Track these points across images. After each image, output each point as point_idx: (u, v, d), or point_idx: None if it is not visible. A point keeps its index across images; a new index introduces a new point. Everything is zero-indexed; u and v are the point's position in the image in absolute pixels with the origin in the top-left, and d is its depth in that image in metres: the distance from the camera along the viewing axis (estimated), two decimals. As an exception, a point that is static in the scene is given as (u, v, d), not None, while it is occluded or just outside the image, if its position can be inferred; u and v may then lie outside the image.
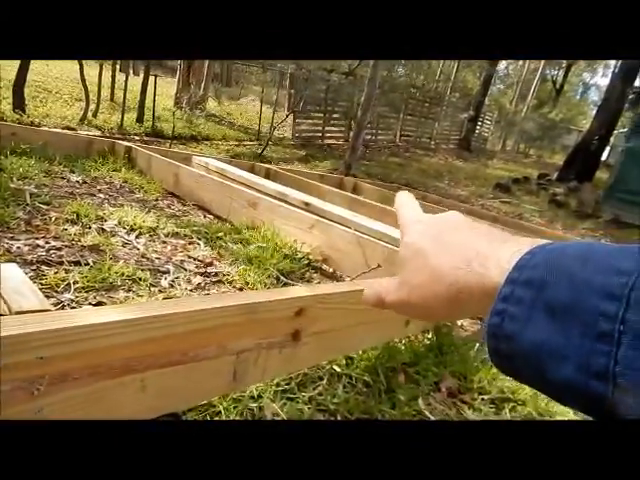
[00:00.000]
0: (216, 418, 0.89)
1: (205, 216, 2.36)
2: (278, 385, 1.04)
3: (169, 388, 0.69)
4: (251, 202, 2.21)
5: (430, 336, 1.45)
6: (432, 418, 1.09)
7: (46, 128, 4.10)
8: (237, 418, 0.91)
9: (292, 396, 1.03)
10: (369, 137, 9.53)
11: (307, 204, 2.41)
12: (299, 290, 0.90)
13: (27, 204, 1.85)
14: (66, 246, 1.55)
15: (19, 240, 1.50)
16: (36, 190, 2.03)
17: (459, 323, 1.65)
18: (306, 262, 1.92)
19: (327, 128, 9.08)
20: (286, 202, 2.34)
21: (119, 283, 1.37)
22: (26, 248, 1.46)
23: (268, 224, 2.10)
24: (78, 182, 2.39)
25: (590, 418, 0.25)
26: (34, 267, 1.35)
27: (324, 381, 1.11)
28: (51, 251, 1.48)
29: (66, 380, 0.55)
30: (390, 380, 1.18)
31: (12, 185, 1.97)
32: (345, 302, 0.97)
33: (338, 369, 1.17)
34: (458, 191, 6.76)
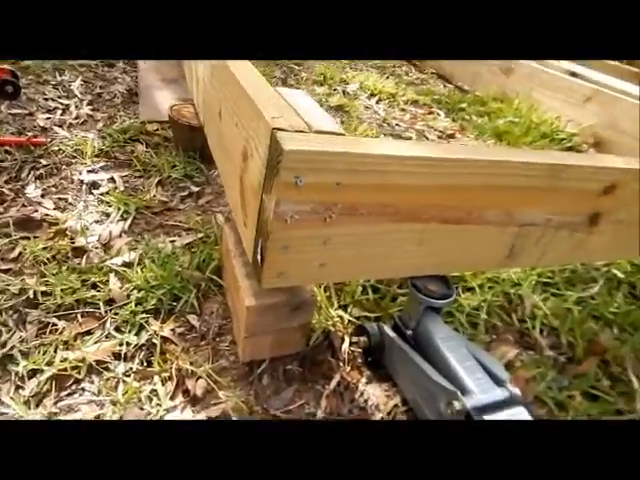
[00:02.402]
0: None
1: (445, 85, 2.12)
2: (539, 275, 0.88)
3: (443, 248, 0.61)
4: (504, 68, 1.85)
5: None
6: None
7: None
8: (495, 300, 0.81)
9: (557, 292, 0.86)
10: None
11: (574, 74, 1.89)
12: (614, 160, 0.67)
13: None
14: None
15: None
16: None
17: None
18: (568, 145, 1.55)
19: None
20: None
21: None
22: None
23: (524, 95, 1.75)
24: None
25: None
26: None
27: (599, 284, 0.89)
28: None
29: (354, 214, 0.51)
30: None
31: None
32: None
33: (619, 274, 0.92)
34: None
